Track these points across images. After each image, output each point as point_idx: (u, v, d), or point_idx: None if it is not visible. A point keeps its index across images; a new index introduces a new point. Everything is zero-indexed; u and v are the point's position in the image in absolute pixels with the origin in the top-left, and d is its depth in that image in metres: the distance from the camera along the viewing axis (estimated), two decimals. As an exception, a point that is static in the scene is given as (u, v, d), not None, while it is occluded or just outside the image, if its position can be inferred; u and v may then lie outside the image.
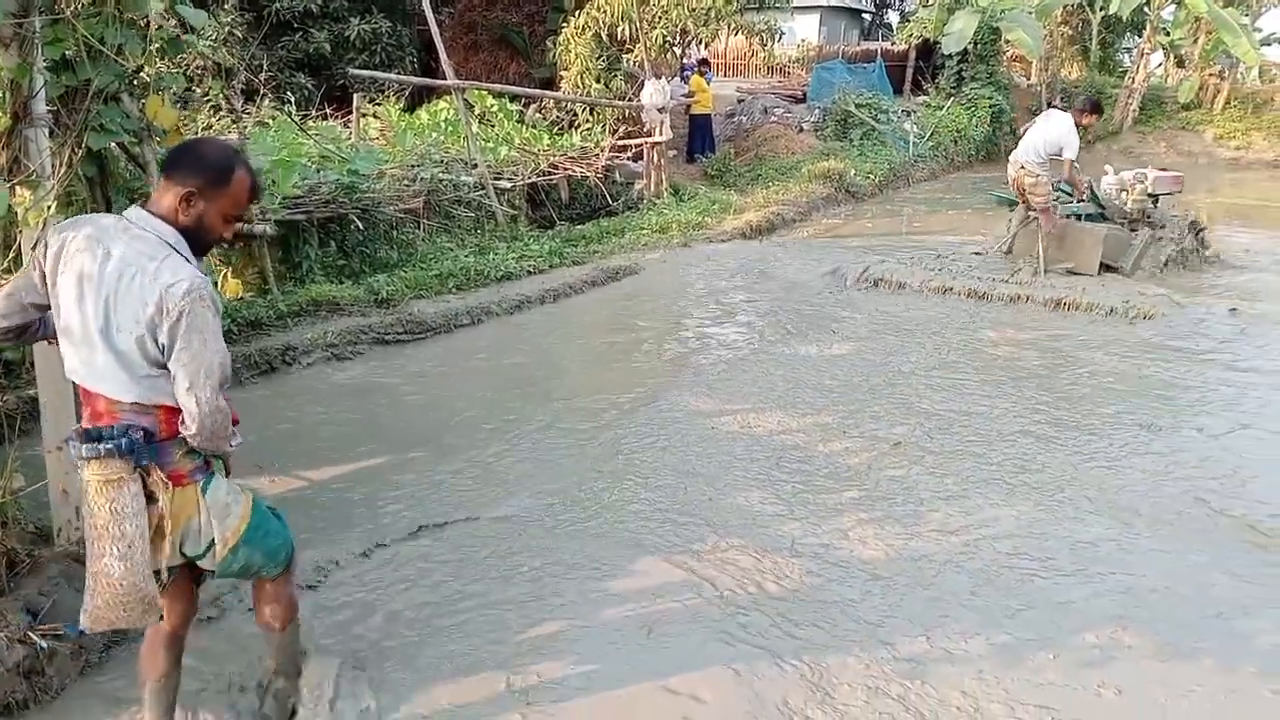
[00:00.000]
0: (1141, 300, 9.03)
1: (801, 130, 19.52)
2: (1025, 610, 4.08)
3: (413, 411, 6.42)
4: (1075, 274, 10.01)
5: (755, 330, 8.55)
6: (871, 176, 16.89)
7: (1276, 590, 4.26)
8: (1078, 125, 9.52)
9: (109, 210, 5.93)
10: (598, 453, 5.71)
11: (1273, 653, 3.82)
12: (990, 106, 21.29)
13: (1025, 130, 10.28)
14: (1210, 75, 23.93)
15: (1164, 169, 11.87)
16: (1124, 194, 10.71)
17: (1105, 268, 10.05)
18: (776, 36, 20.41)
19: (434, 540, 4.63)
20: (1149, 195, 10.63)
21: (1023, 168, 9.84)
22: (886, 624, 3.97)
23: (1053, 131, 9.58)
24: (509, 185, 11.89)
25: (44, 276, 2.65)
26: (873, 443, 5.85)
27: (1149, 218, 10.55)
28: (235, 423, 2.83)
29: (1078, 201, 10.53)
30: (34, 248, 2.72)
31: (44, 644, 3.29)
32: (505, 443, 5.86)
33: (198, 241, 2.68)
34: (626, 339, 8.41)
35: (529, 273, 9.96)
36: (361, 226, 9.34)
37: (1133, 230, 10.41)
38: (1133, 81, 23.26)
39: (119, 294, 2.54)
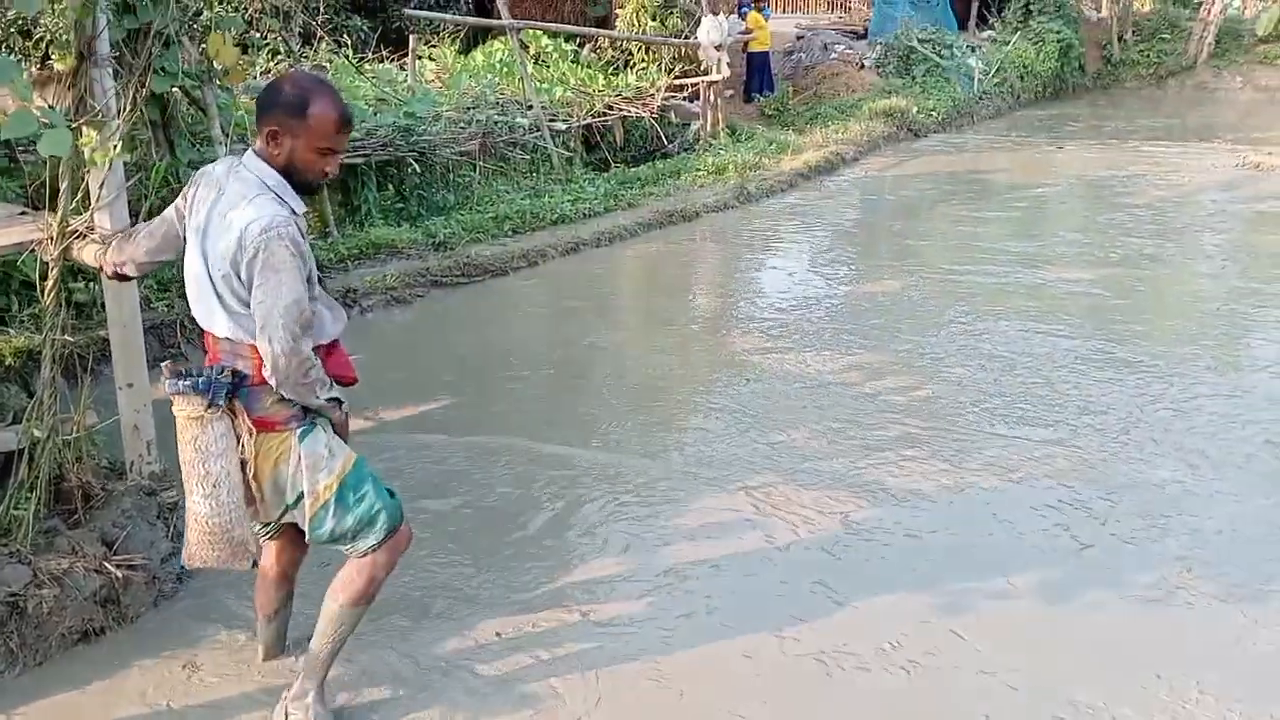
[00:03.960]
0: None
1: (863, 67, 19.07)
2: (1087, 549, 4.05)
3: (469, 354, 6.47)
4: None
5: (811, 274, 8.46)
6: (935, 114, 16.49)
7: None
8: None
9: (171, 151, 6.03)
10: (653, 394, 5.72)
11: (1343, 596, 3.74)
12: (1058, 41, 20.58)
13: None
14: (1291, 6, 22.89)
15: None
16: None
17: None
18: (837, -29, 19.90)
19: (493, 474, 4.69)
20: None
21: None
22: (945, 569, 3.96)
23: None
24: (564, 127, 11.82)
25: (180, 217, 2.75)
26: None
27: None
28: (345, 379, 2.83)
29: None
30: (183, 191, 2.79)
31: (119, 573, 3.40)
32: (560, 385, 5.90)
33: (298, 181, 2.64)
34: (681, 282, 8.37)
35: (584, 216, 9.90)
36: (419, 169, 9.36)
37: None
38: (1208, 14, 22.31)
39: (216, 232, 2.59)
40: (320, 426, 2.77)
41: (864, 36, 21.76)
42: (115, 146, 3.35)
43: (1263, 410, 5.37)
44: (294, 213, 2.61)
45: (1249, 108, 19.30)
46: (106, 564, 3.41)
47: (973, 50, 19.98)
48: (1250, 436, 5.06)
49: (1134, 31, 22.69)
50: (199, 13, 5.48)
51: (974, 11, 23.98)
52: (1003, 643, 3.46)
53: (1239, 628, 3.55)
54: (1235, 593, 3.75)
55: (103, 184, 3.43)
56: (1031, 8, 21.00)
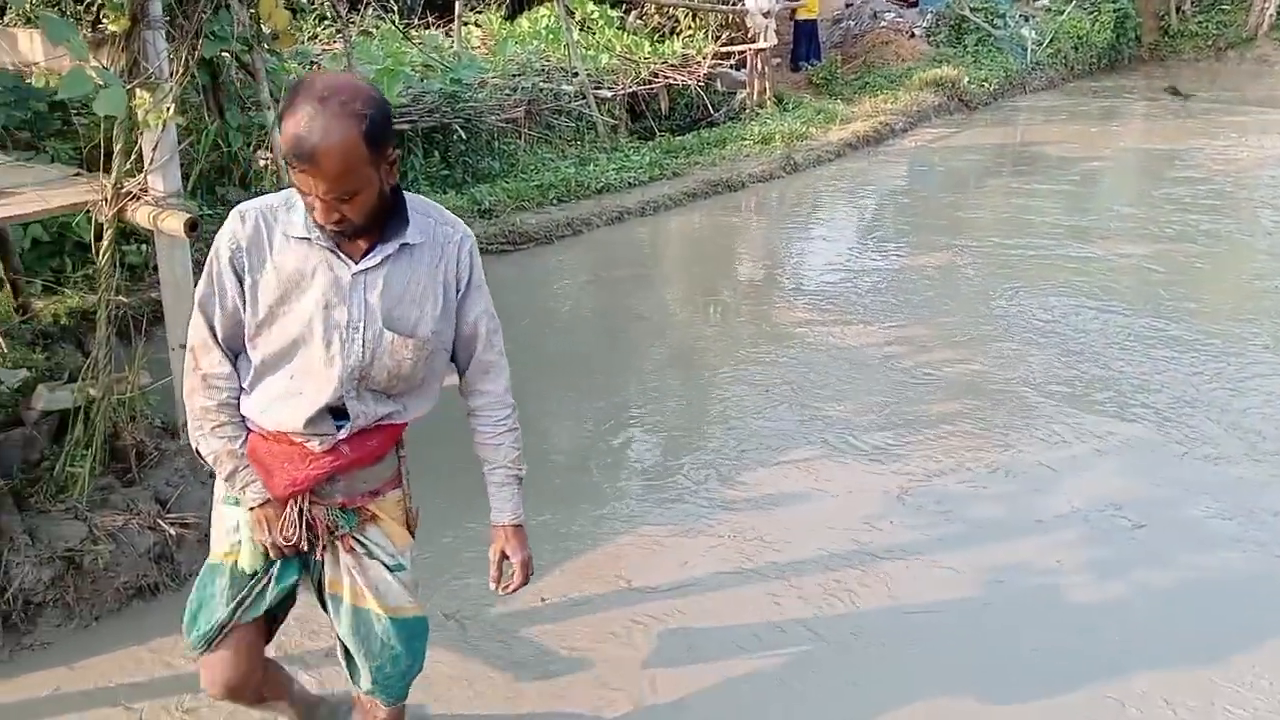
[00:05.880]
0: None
1: (913, 36, 18.75)
2: (1140, 528, 3.99)
3: (512, 322, 6.47)
4: None
5: (857, 245, 8.37)
6: (986, 84, 16.20)
7: None
8: None
9: (221, 115, 6.06)
10: (696, 365, 5.71)
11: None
12: (1114, 11, 20.12)
13: None
14: (1361, -25, 22.15)
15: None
16: None
17: None
18: (888, -63, 19.56)
19: (532, 442, 4.71)
20: None
21: None
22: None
23: None
24: (609, 95, 11.75)
25: None
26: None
27: None
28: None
29: None
30: None
31: (173, 531, 3.45)
32: (602, 355, 5.89)
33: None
34: (726, 252, 8.32)
35: (629, 185, 9.85)
36: (464, 136, 9.35)
37: None
38: (1272, -17, 21.71)
39: None
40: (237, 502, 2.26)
41: (914, 5, 21.37)
42: (168, 108, 3.37)
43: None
44: (264, 217, 2.04)
45: (1311, 81, 18.75)
46: (160, 521, 3.46)
47: (1026, 20, 19.58)
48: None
49: (1192, 2, 22.10)
50: (249, -24, 5.48)
51: (1028, -20, 23.50)
52: (1047, 618, 3.42)
53: (1295, 611, 3.48)
54: (1292, 576, 3.68)
55: (155, 146, 3.45)
56: (1088, -23, 20.54)
